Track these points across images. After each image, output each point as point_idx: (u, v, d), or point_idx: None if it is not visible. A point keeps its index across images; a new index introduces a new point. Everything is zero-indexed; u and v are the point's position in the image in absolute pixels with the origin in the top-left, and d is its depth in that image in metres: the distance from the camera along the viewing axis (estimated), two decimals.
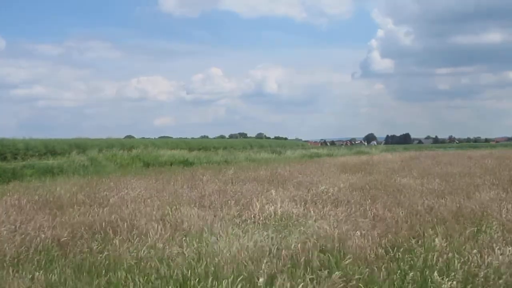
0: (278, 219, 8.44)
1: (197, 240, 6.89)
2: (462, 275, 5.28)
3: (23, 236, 6.93)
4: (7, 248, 6.41)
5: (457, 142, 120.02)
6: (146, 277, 5.45)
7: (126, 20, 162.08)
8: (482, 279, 5.16)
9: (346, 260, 5.78)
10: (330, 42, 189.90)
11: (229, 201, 10.47)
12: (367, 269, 5.56)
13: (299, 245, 6.23)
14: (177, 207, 9.54)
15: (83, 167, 23.47)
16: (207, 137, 76.82)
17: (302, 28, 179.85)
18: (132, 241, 6.85)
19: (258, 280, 5.12)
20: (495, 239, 6.72)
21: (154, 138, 55.61)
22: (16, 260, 6.11)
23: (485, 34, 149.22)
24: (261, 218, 8.40)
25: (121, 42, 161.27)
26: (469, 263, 5.58)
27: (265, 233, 7.11)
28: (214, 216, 8.76)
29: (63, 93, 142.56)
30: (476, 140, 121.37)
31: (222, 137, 78.38)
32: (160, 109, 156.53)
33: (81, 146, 29.72)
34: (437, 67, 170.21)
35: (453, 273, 5.31)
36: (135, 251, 6.37)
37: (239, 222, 8.25)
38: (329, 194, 11.72)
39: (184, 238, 7.03)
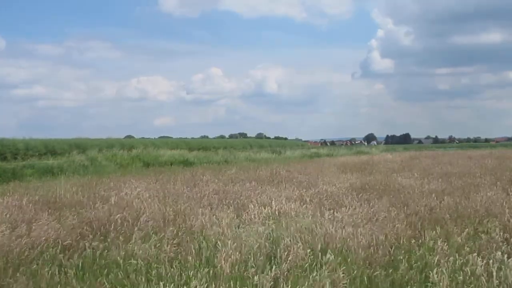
0: (278, 219, 8.44)
1: (199, 240, 6.90)
2: (462, 275, 5.28)
3: (24, 236, 6.92)
4: (9, 248, 6.39)
5: (457, 142, 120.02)
6: (147, 278, 5.47)
7: (126, 20, 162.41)
8: (482, 279, 5.17)
9: (347, 260, 5.79)
10: (330, 42, 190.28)
11: (230, 201, 10.47)
12: (368, 270, 5.57)
13: (301, 246, 6.24)
14: (178, 207, 9.53)
15: (83, 167, 23.47)
16: (207, 137, 76.87)
17: (302, 28, 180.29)
18: (134, 241, 6.85)
19: (254, 278, 5.15)
20: (495, 239, 6.72)
21: (154, 138, 55.63)
22: (18, 260, 6.10)
23: (485, 34, 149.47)
24: (260, 219, 8.40)
25: (121, 42, 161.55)
26: (469, 264, 5.59)
27: (265, 233, 7.13)
28: (214, 215, 8.75)
29: (63, 93, 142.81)
30: (476, 140, 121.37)
31: (222, 137, 78.39)
32: (160, 109, 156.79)
33: (81, 146, 29.73)
34: (437, 67, 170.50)
35: (452, 274, 5.32)
36: (137, 251, 6.37)
37: (240, 222, 8.26)
38: (329, 194, 11.72)
39: (186, 238, 7.04)
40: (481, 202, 9.76)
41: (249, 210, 9.04)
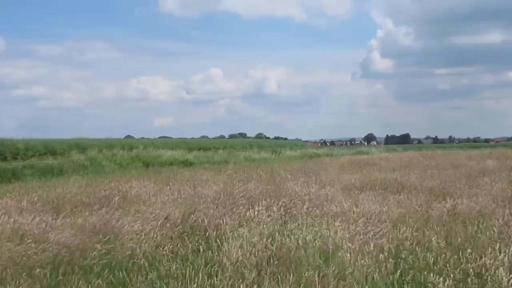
0: (279, 218, 8.44)
1: (205, 241, 6.92)
2: (460, 275, 5.29)
3: (25, 237, 6.89)
4: (10, 250, 6.37)
5: (457, 142, 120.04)
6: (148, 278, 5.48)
7: (126, 21, 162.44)
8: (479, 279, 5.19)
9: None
10: (330, 42, 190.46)
11: (231, 201, 10.46)
12: (368, 270, 5.58)
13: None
14: (180, 207, 9.52)
15: (83, 167, 23.49)
16: (207, 137, 76.77)
17: (302, 29, 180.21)
18: (136, 241, 6.85)
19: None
20: (494, 239, 6.72)
21: (154, 138, 55.49)
22: (19, 261, 6.08)
23: (485, 34, 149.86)
24: (262, 219, 8.38)
25: (121, 42, 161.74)
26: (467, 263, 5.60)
27: (269, 233, 7.14)
28: (215, 216, 8.75)
29: (63, 93, 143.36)
30: (475, 140, 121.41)
31: (222, 137, 78.31)
32: (160, 109, 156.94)
33: (81, 146, 29.69)
34: (436, 67, 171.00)
35: (451, 273, 5.32)
36: (141, 252, 6.38)
37: (243, 222, 8.24)
38: (328, 193, 11.70)
39: (190, 239, 7.06)
40: (481, 201, 9.72)
41: (250, 210, 9.00)
